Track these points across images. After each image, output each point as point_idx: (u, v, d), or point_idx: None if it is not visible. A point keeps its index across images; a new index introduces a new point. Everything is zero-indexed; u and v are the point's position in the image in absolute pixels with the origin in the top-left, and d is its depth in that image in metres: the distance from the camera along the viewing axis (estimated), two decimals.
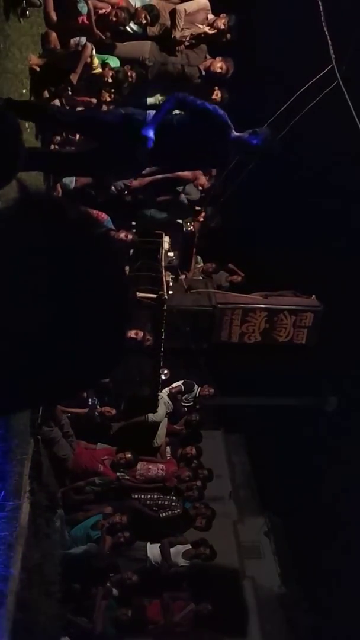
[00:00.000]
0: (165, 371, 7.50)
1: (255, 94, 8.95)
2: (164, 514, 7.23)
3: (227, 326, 7.37)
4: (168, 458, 7.90)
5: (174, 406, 8.09)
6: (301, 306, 7.59)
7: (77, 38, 5.91)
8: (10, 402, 0.94)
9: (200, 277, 8.71)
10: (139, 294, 6.70)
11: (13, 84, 5.06)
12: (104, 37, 6.11)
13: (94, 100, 6.13)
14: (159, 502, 7.28)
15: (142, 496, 7.26)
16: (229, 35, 6.80)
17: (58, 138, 6.21)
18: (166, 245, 7.40)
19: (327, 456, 12.55)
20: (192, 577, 7.33)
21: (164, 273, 7.05)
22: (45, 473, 6.43)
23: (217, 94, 7.01)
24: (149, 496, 7.29)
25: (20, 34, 5.22)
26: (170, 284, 7.17)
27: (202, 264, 9.27)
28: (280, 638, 10.24)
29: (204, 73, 6.87)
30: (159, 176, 7.02)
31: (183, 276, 7.86)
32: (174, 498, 7.37)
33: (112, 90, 6.12)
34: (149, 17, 6.35)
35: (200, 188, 8.01)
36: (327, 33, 5.53)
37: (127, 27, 6.42)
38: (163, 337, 6.90)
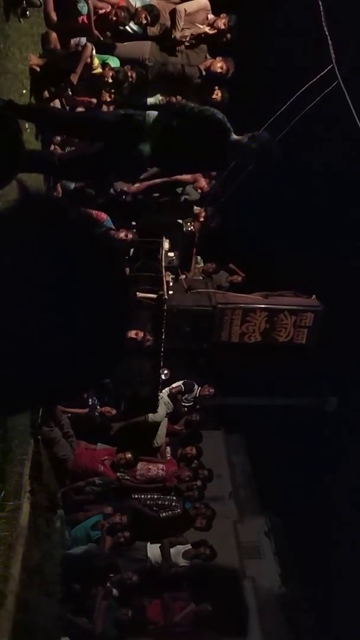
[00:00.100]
0: (166, 371, 7.50)
1: (255, 94, 8.96)
2: (164, 514, 7.22)
3: (227, 326, 7.36)
4: (168, 458, 7.90)
5: (174, 406, 8.09)
6: (301, 306, 7.58)
7: (77, 38, 5.92)
8: (10, 403, 0.94)
9: (201, 277, 8.71)
10: (139, 294, 6.70)
11: (13, 84, 5.06)
12: (102, 38, 6.11)
13: (94, 101, 6.13)
14: (159, 502, 7.28)
15: (142, 496, 7.27)
16: (229, 35, 6.79)
17: (58, 138, 6.20)
18: (166, 245, 7.40)
19: (327, 456, 12.57)
20: (193, 577, 7.33)
21: (164, 273, 7.05)
22: (45, 473, 6.43)
23: (217, 94, 7.00)
24: (149, 496, 7.29)
25: (20, 34, 5.22)
26: (171, 284, 7.16)
27: (202, 264, 9.26)
28: (280, 638, 10.25)
29: (204, 73, 6.87)
30: (158, 180, 7.03)
31: (183, 276, 7.86)
32: (174, 498, 7.37)
33: (112, 91, 6.11)
34: (149, 17, 6.35)
35: (199, 191, 8.02)
36: (327, 33, 5.54)
37: (127, 27, 6.41)
38: (163, 337, 6.90)
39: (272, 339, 7.50)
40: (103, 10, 6.03)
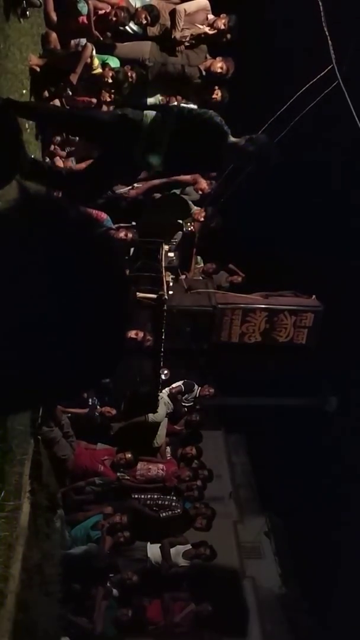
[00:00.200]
0: (166, 371, 7.50)
1: (255, 94, 8.96)
2: (164, 514, 7.23)
3: (227, 326, 7.36)
4: (168, 458, 7.91)
5: (174, 406, 8.09)
6: (301, 306, 7.58)
7: (78, 39, 5.92)
8: (11, 402, 0.94)
9: (201, 278, 8.69)
10: (139, 294, 6.70)
11: (13, 84, 5.06)
12: (102, 38, 6.11)
13: (94, 101, 6.13)
14: (159, 502, 7.29)
15: (142, 496, 7.27)
16: (229, 35, 6.79)
17: (58, 138, 6.21)
18: (166, 246, 7.40)
19: (327, 456, 12.56)
20: (193, 577, 7.33)
21: (164, 273, 7.04)
22: (45, 473, 6.43)
23: (217, 94, 7.00)
24: (149, 496, 7.29)
25: (20, 34, 5.22)
26: (171, 284, 7.16)
27: (202, 264, 9.25)
28: (280, 638, 10.25)
29: (204, 73, 6.87)
30: (157, 181, 7.02)
31: (183, 276, 7.84)
32: (174, 498, 7.37)
33: (112, 91, 6.11)
34: (149, 18, 6.35)
35: (200, 192, 8.03)
36: (327, 33, 5.54)
37: (127, 27, 6.41)
38: (163, 337, 6.90)
39: (272, 339, 7.49)
40: (103, 11, 6.04)
